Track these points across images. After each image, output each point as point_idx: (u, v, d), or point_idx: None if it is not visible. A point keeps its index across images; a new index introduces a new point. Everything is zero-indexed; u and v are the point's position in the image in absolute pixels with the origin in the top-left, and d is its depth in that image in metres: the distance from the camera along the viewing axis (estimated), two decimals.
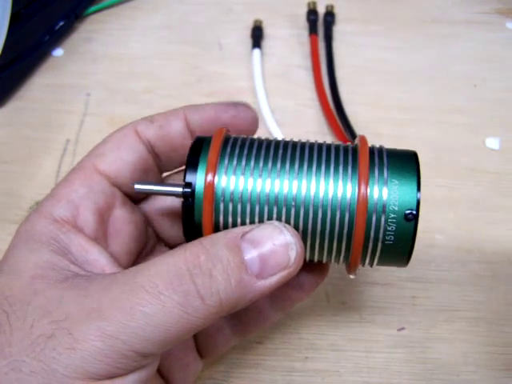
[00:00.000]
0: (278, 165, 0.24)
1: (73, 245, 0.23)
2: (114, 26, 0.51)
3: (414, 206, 0.23)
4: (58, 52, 0.48)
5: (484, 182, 0.40)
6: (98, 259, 0.23)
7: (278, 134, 0.42)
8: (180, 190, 0.24)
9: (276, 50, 0.49)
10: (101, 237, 0.25)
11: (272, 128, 0.42)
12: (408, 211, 0.23)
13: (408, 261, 0.25)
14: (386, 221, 0.23)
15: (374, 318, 0.34)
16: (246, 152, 0.24)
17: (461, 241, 0.37)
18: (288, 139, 0.26)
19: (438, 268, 0.36)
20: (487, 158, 0.42)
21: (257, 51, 0.48)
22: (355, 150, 0.25)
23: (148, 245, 0.29)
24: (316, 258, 0.25)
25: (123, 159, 0.26)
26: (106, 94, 0.46)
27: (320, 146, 0.25)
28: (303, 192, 0.23)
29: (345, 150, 0.25)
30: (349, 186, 0.23)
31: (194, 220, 0.24)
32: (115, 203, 0.26)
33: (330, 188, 0.23)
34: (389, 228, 0.23)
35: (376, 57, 0.49)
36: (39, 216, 0.24)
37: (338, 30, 0.51)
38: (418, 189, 0.23)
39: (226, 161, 0.24)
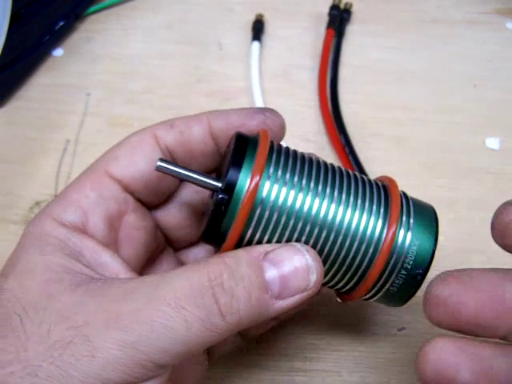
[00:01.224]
0: (319, 187, 0.24)
1: (85, 248, 0.23)
2: (114, 25, 0.51)
3: (425, 267, 0.25)
4: (58, 52, 0.48)
5: (484, 182, 0.40)
6: (110, 263, 0.23)
7: None
8: (217, 184, 0.23)
9: (276, 49, 0.49)
10: (111, 243, 0.25)
11: None
12: (418, 271, 0.25)
13: (401, 306, 0.26)
14: (400, 267, 0.24)
15: (374, 318, 0.34)
16: (290, 164, 0.24)
17: (461, 241, 0.37)
18: (322, 160, 0.26)
19: (437, 268, 0.36)
20: (487, 158, 0.42)
21: (256, 44, 0.47)
22: (386, 191, 0.25)
23: (158, 249, 0.29)
24: (325, 281, 0.25)
25: (137, 165, 0.25)
26: (106, 93, 0.46)
27: (356, 177, 0.25)
28: (338, 219, 0.24)
29: (377, 188, 0.25)
30: (379, 224, 0.24)
31: (223, 221, 0.23)
32: (127, 210, 0.26)
33: (362, 222, 0.24)
34: (396, 281, 0.25)
35: (376, 57, 0.48)
36: (48, 218, 0.24)
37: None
38: (433, 253, 0.25)
39: (272, 169, 0.23)
